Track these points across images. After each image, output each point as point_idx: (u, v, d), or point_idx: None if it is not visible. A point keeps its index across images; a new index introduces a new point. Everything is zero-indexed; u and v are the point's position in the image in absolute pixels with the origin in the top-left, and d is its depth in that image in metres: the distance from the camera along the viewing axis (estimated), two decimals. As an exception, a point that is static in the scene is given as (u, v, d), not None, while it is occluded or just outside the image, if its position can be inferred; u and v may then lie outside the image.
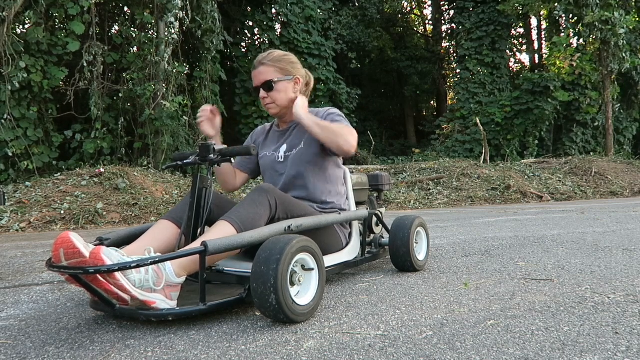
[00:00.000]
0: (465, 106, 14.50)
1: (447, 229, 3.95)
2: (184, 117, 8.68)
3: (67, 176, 6.18)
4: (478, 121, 12.14)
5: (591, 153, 14.13)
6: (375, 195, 2.36)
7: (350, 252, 1.89)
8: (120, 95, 8.30)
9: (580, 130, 14.94)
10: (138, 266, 1.22)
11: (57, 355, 1.15)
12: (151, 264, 1.24)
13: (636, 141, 17.22)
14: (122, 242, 1.61)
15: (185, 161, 1.59)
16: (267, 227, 1.46)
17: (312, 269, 1.42)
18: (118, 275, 1.22)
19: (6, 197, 5.35)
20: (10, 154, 6.98)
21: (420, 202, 7.34)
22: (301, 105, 1.72)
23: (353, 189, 2.07)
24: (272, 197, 1.57)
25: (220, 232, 1.42)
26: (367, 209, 2.18)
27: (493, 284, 1.79)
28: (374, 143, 13.24)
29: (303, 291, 1.40)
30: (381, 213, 2.22)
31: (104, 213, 5.25)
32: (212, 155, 1.51)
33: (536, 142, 13.97)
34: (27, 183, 6.10)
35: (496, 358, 1.05)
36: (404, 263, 2.00)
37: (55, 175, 6.45)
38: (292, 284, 1.36)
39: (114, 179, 6.06)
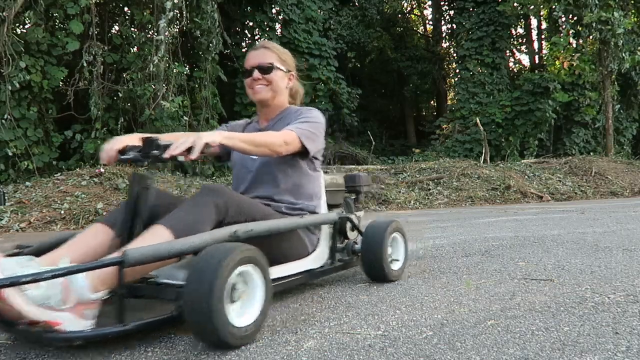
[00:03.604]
0: (465, 106, 14.49)
1: (447, 229, 3.94)
2: (184, 117, 8.68)
3: (67, 176, 6.18)
4: (478, 121, 12.13)
5: (591, 153, 14.13)
6: (352, 197, 2.15)
7: (316, 259, 1.72)
8: (120, 95, 8.30)
9: (580, 131, 14.94)
10: (34, 280, 1.01)
11: (57, 355, 1.15)
12: (51, 277, 1.02)
13: (636, 141, 17.21)
14: (49, 250, 1.38)
15: (122, 156, 1.37)
16: (208, 233, 1.27)
17: (257, 284, 1.24)
18: (7, 291, 1.01)
19: (6, 197, 5.35)
20: (10, 154, 6.97)
21: (420, 202, 7.33)
22: (217, 135, 1.42)
23: (326, 190, 1.93)
24: (221, 199, 1.40)
25: (155, 238, 1.24)
26: (342, 211, 1.98)
27: (493, 284, 1.79)
28: (374, 143, 13.23)
29: (244, 309, 1.21)
30: (357, 217, 2.00)
31: (104, 213, 5.25)
32: (155, 151, 1.30)
33: (536, 142, 13.96)
34: (27, 183, 6.10)
35: (496, 358, 1.05)
36: (377, 272, 1.84)
37: (55, 175, 6.44)
38: (232, 301, 1.17)
39: (114, 179, 6.06)
